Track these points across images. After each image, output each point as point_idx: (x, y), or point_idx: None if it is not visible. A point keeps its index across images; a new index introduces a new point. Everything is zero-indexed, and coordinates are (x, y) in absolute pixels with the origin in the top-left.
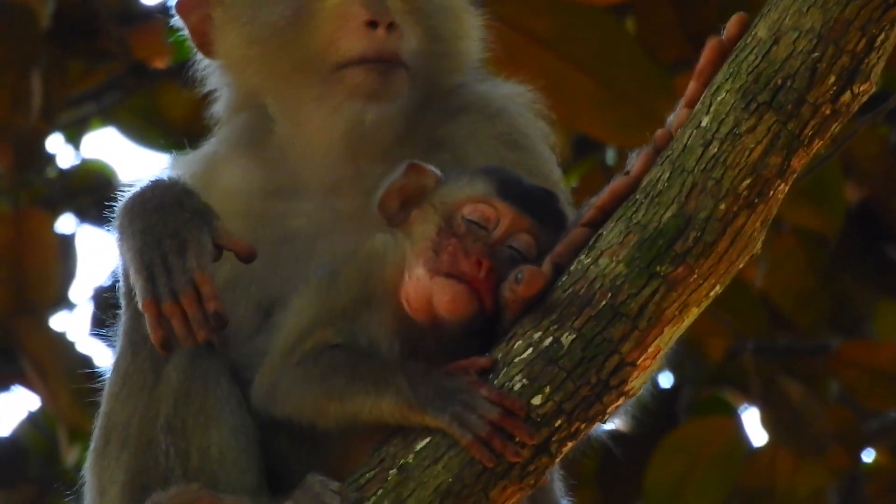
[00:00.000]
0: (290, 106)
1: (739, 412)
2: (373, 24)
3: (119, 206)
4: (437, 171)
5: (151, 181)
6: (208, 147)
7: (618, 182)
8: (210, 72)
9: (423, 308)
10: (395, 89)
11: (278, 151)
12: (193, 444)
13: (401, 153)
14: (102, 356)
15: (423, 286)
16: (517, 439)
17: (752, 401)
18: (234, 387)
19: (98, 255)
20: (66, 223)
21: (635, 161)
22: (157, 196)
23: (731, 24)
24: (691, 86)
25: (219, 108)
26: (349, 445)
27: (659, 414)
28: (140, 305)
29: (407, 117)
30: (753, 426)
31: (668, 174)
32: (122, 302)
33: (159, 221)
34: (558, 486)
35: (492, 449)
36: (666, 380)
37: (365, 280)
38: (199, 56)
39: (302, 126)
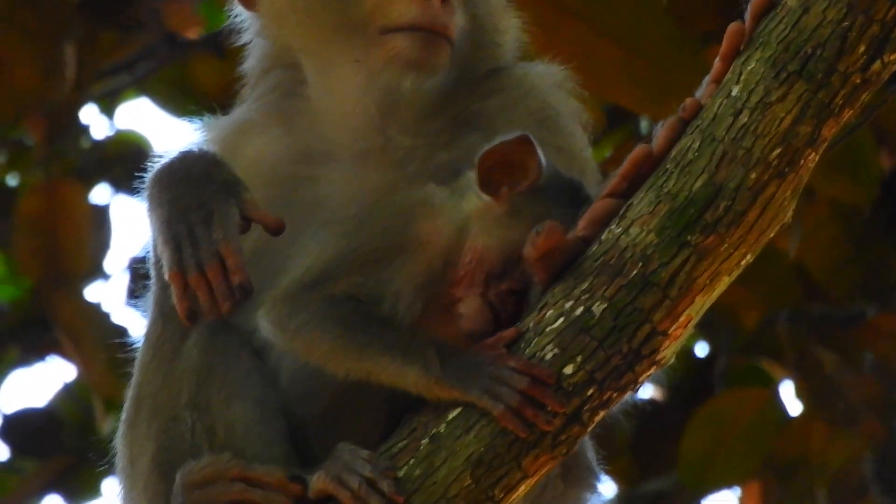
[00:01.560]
0: (326, 66)
1: (774, 382)
2: None
3: (149, 176)
4: (544, 158)
5: (181, 152)
6: (238, 112)
7: (638, 150)
8: (247, 25)
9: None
10: (438, 62)
11: (308, 116)
12: (218, 420)
13: (431, 127)
14: (137, 326)
15: (463, 290)
16: (548, 408)
17: (787, 371)
18: (255, 360)
19: (132, 225)
20: (100, 194)
21: (660, 131)
22: (186, 167)
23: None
24: (717, 65)
25: (250, 66)
26: (378, 417)
27: (693, 383)
28: (166, 276)
29: (441, 92)
30: (788, 396)
31: (698, 143)
32: (153, 272)
33: (187, 192)
34: (592, 456)
35: (523, 418)
36: (701, 349)
37: (406, 226)
38: (238, 8)
39: (335, 89)
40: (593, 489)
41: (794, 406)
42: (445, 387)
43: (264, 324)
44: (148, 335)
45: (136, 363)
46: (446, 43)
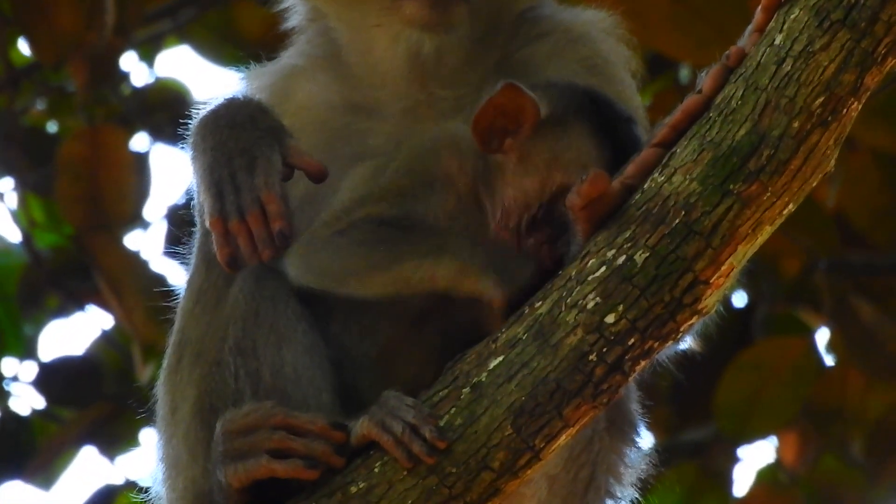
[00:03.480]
0: (353, 30)
1: (812, 331)
2: None
3: (193, 123)
4: (535, 96)
5: (226, 99)
6: (285, 59)
7: (690, 100)
8: None
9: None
10: (452, 20)
11: (351, 72)
12: (265, 364)
13: (473, 76)
14: (176, 274)
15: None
16: None
17: (825, 320)
18: (303, 307)
19: (172, 173)
20: (140, 141)
21: (706, 79)
22: (231, 114)
23: None
24: (759, 15)
25: (293, 24)
26: (428, 366)
27: (732, 332)
28: (207, 223)
29: (477, 43)
30: (826, 346)
31: (741, 92)
32: (196, 219)
33: (230, 139)
34: (635, 408)
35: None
36: (740, 298)
37: (433, 163)
38: None
39: (366, 51)
40: (634, 443)
41: (831, 356)
42: (474, 275)
43: (292, 270)
44: (191, 282)
45: (179, 309)
46: (458, 0)
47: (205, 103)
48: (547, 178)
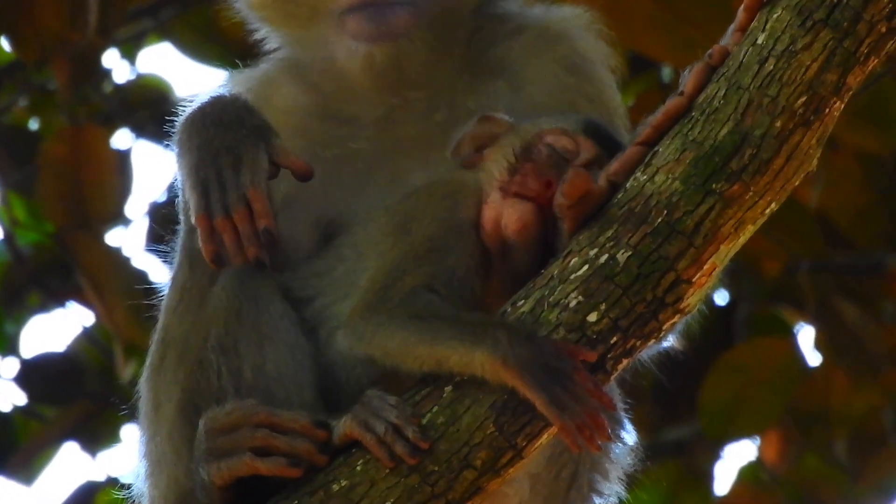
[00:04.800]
0: (312, 49)
1: (795, 332)
2: None
3: (179, 120)
4: (508, 118)
5: (213, 97)
6: (265, 66)
7: (672, 101)
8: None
9: (495, 231)
10: (398, 29)
11: (321, 86)
12: (247, 363)
13: (445, 75)
14: (158, 272)
15: (496, 207)
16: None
17: (808, 321)
18: (287, 306)
19: (154, 170)
20: (122, 139)
21: (688, 78)
22: (217, 112)
23: None
24: (741, 15)
25: (261, 35)
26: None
27: (714, 332)
28: (193, 220)
29: (435, 41)
30: (809, 346)
31: (724, 91)
32: (181, 217)
33: (217, 137)
34: (619, 406)
35: (585, 438)
36: (721, 298)
37: (449, 214)
38: None
39: (329, 67)
40: (619, 440)
41: (814, 356)
42: (512, 370)
43: (343, 341)
44: (175, 279)
45: (163, 307)
46: (401, 7)
47: (190, 101)
48: (532, 138)
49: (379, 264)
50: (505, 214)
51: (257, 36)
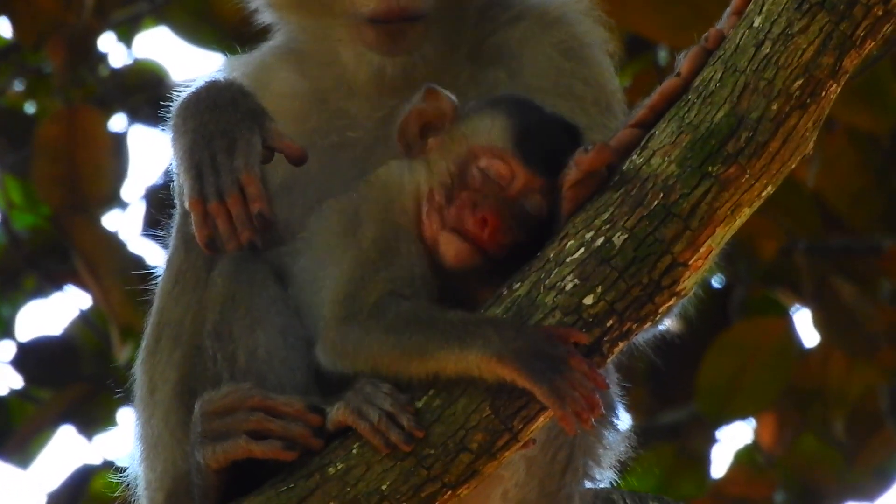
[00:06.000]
0: (318, 42)
1: (791, 312)
2: None
3: (174, 104)
4: (453, 97)
5: (207, 81)
6: (262, 52)
7: (668, 83)
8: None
9: (434, 248)
10: (409, 45)
11: (321, 80)
12: (240, 347)
13: (450, 72)
14: (154, 255)
15: (432, 234)
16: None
17: (805, 301)
18: (281, 289)
19: (150, 154)
20: (118, 122)
21: (684, 61)
22: (212, 96)
23: None
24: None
25: (265, 20)
26: None
27: (711, 314)
28: (186, 204)
29: (444, 37)
30: (806, 326)
31: (720, 74)
32: (176, 200)
33: (211, 121)
34: (614, 390)
35: (582, 421)
36: (718, 280)
37: (386, 211)
38: None
39: (332, 63)
40: (612, 426)
41: (812, 336)
42: (508, 364)
43: (323, 358)
44: (170, 262)
45: (158, 290)
46: (412, 23)
47: (186, 85)
48: (466, 156)
49: (337, 273)
50: (441, 244)
51: (255, 20)
